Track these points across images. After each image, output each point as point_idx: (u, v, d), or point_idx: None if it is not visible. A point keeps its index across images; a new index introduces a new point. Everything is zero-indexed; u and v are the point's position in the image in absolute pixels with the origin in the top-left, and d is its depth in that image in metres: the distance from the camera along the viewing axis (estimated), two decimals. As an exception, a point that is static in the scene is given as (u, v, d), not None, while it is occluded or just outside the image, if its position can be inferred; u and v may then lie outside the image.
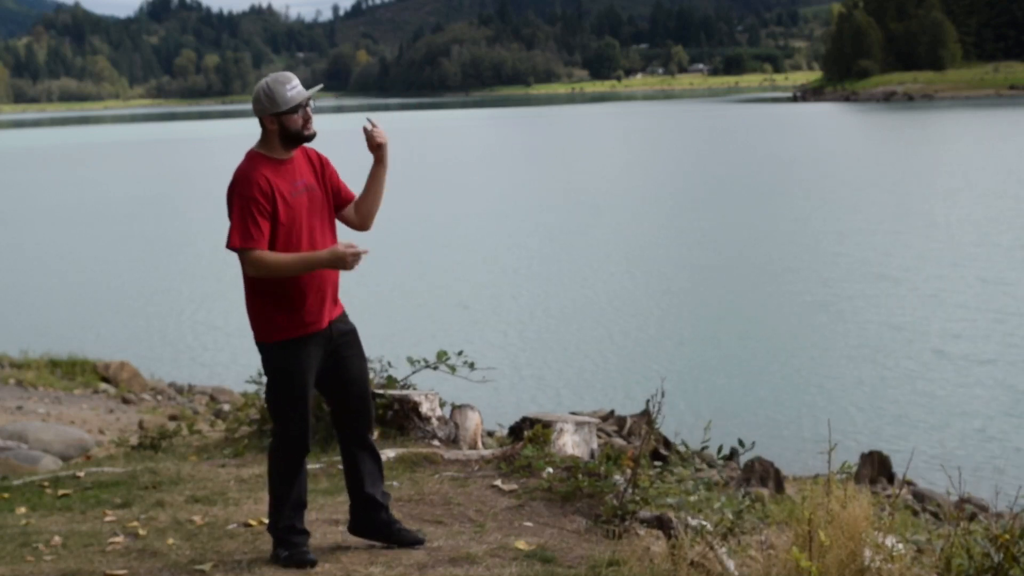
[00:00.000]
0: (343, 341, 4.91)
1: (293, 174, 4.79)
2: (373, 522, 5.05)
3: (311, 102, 4.80)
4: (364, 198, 4.99)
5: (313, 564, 4.80)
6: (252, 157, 4.79)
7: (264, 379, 5.09)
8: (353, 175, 5.14)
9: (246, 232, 4.63)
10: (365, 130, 4.94)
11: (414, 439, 7.10)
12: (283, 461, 4.90)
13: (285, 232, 4.71)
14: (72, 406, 13.79)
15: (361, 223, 5.01)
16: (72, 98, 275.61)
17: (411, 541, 5.04)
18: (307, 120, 4.76)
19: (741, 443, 5.63)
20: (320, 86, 4.96)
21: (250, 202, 4.65)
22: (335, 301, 4.91)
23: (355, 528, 5.09)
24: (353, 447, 5.05)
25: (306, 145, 4.90)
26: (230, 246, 4.66)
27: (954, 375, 17.11)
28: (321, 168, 4.92)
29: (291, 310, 4.74)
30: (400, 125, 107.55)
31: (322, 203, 4.86)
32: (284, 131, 4.74)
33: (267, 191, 4.67)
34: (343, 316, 4.97)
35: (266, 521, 5.47)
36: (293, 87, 4.73)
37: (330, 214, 4.91)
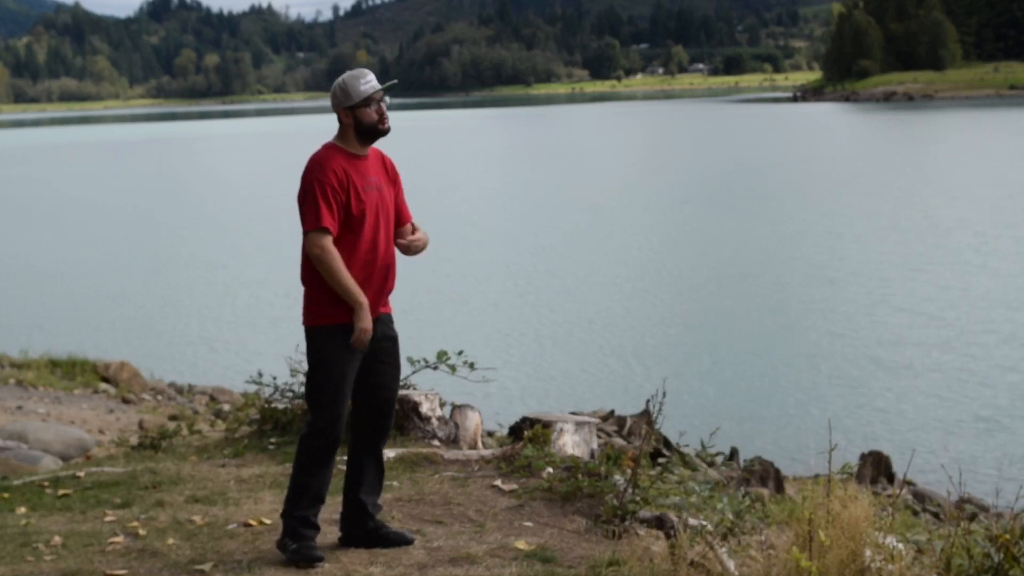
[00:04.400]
0: (384, 347, 4.97)
1: (367, 171, 4.89)
2: (360, 527, 5.07)
3: (386, 98, 4.89)
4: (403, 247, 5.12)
5: (320, 560, 4.82)
6: (329, 147, 4.90)
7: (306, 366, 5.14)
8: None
9: (322, 214, 4.74)
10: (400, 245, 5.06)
11: (414, 439, 7.10)
12: (310, 450, 4.92)
13: (355, 223, 4.81)
14: (72, 406, 13.78)
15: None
16: (72, 98, 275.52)
17: (399, 542, 5.06)
18: (382, 115, 4.87)
19: (734, 452, 5.64)
20: (394, 81, 5.09)
21: (327, 187, 4.76)
22: (386, 298, 4.98)
23: (345, 539, 5.12)
24: (362, 452, 5.09)
25: (385, 154, 5.04)
26: (307, 229, 4.75)
27: (955, 375, 17.10)
28: (395, 177, 5.05)
29: (340, 297, 4.80)
30: (400, 125, 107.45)
31: (389, 205, 4.97)
32: (358, 124, 4.85)
33: (342, 179, 4.79)
34: (390, 318, 5.03)
35: (266, 521, 5.48)
36: (367, 82, 4.85)
37: (394, 215, 5.02)
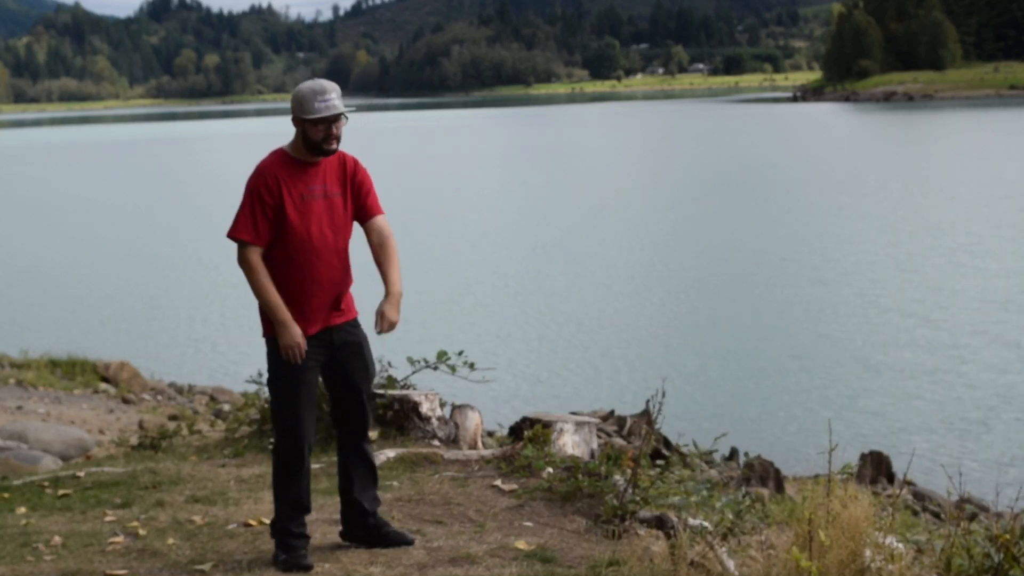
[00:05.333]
0: (348, 351, 4.93)
1: (313, 178, 4.81)
2: (360, 526, 5.08)
3: (344, 117, 4.79)
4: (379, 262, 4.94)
5: (308, 568, 4.80)
6: (275, 154, 4.86)
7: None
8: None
9: (242, 225, 4.76)
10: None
11: (414, 439, 7.10)
12: (278, 460, 4.94)
13: (295, 234, 4.76)
14: (72, 406, 13.78)
15: (373, 252, 4.96)
16: (72, 98, 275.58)
17: (400, 542, 5.06)
18: (329, 135, 4.76)
19: (735, 452, 5.67)
20: (354, 109, 4.92)
21: (254, 198, 4.75)
22: (338, 308, 4.89)
23: (345, 533, 5.13)
24: (347, 453, 5.10)
25: (347, 155, 4.94)
26: (228, 235, 4.81)
27: (955, 375, 17.10)
28: (353, 176, 4.91)
29: (289, 308, 4.77)
30: (400, 125, 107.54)
31: (341, 212, 4.86)
32: (305, 137, 4.79)
33: (273, 190, 4.74)
34: (351, 324, 4.96)
35: (266, 521, 5.48)
36: (324, 100, 4.73)
37: (348, 224, 4.91)
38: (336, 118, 4.75)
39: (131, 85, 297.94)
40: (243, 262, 4.77)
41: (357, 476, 5.07)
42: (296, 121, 4.79)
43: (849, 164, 50.07)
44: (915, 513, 10.26)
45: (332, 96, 4.75)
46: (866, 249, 27.99)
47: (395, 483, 6.10)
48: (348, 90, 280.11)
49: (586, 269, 27.18)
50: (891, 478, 12.10)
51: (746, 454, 12.55)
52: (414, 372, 7.73)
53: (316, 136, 4.75)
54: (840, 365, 17.88)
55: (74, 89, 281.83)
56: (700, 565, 4.51)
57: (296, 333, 4.73)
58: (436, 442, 7.10)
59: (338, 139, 4.80)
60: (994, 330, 19.55)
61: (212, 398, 16.21)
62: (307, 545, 4.92)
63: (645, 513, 5.31)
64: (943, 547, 4.48)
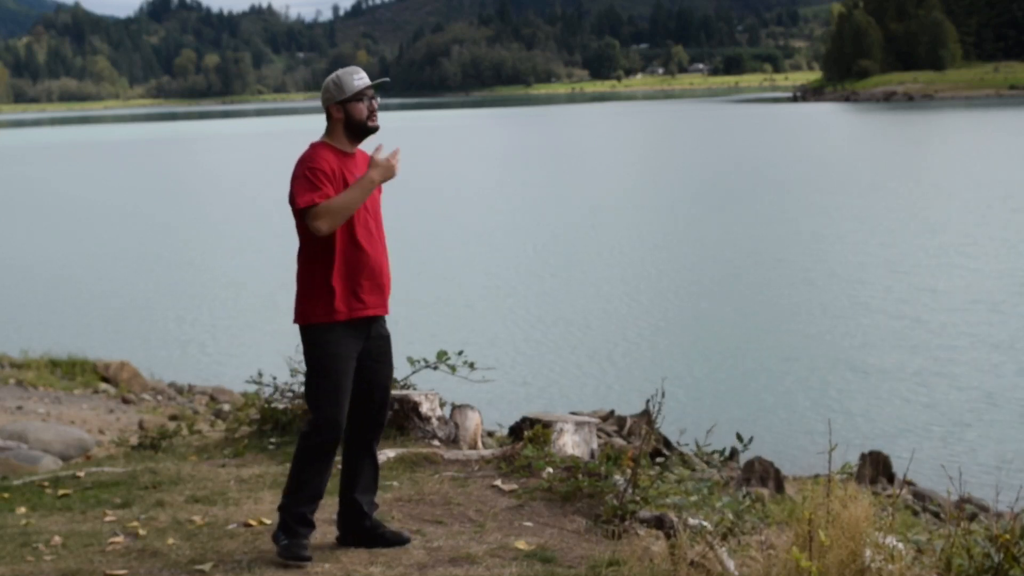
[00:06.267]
0: (379, 345, 4.97)
1: (356, 167, 4.90)
2: (356, 528, 5.06)
3: (377, 97, 4.92)
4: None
5: (307, 560, 4.80)
6: (317, 146, 4.90)
7: (303, 365, 5.15)
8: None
9: (312, 189, 4.71)
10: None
11: (414, 439, 7.10)
12: (309, 447, 4.90)
13: (347, 221, 4.80)
14: (72, 406, 13.78)
15: None
16: (72, 98, 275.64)
17: (396, 542, 5.05)
18: (372, 111, 4.89)
19: (739, 438, 5.67)
20: (386, 79, 5.10)
21: (316, 171, 4.75)
22: (383, 295, 4.95)
23: (342, 538, 5.10)
24: (356, 450, 5.08)
25: (368, 154, 5.00)
26: (300, 206, 4.71)
27: (955, 375, 17.10)
28: None
29: (340, 291, 4.80)
30: (400, 125, 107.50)
31: (376, 201, 4.98)
32: (349, 120, 4.86)
33: (335, 169, 4.79)
34: (384, 319, 5.03)
35: (266, 521, 5.48)
36: (360, 77, 4.89)
37: (381, 218, 5.03)
38: (373, 94, 4.89)
39: (131, 85, 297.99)
40: (325, 214, 4.68)
41: (362, 476, 5.06)
42: (335, 108, 4.87)
43: (849, 164, 50.08)
44: (915, 513, 10.26)
45: (363, 73, 4.92)
46: (864, 250, 27.99)
47: (395, 483, 6.10)
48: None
49: (586, 269, 27.18)
50: (891, 478, 12.10)
51: (743, 439, 12.52)
52: (414, 372, 7.73)
53: (361, 115, 4.86)
54: (840, 365, 17.88)
55: (74, 89, 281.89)
56: (700, 565, 4.51)
57: (377, 158, 4.80)
58: (436, 442, 7.10)
59: (377, 116, 4.92)
60: (994, 330, 19.55)
61: (212, 398, 16.21)
62: (310, 535, 4.92)
63: (645, 513, 5.32)
64: (943, 547, 4.48)
